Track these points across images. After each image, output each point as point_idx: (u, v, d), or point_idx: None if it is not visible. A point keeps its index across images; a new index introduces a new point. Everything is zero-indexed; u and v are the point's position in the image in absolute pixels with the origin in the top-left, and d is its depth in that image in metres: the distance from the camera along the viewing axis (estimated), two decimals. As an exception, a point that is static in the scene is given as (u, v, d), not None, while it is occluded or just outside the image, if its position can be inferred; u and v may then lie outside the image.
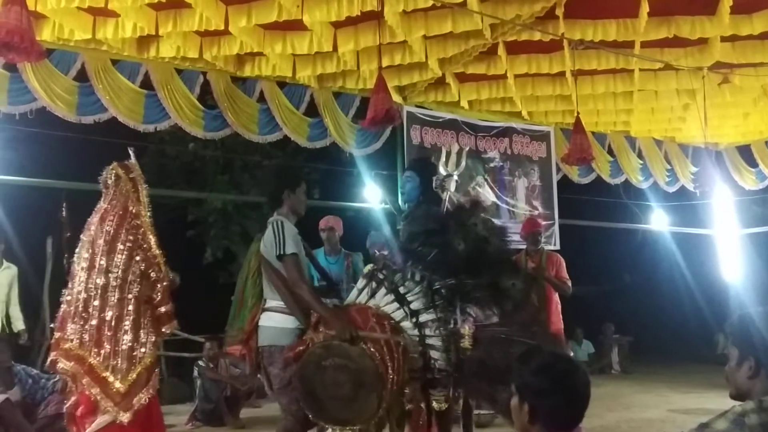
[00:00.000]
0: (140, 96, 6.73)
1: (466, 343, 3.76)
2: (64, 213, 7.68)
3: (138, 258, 3.88)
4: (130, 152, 4.33)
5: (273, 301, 3.85)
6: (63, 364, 3.73)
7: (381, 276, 3.93)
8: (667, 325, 14.88)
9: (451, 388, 3.95)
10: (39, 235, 8.66)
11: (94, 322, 3.72)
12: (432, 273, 3.86)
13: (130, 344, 3.72)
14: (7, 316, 6.60)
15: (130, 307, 3.78)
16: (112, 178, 4.10)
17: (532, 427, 1.99)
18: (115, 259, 3.82)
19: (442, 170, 4.78)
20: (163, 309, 3.93)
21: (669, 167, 10.05)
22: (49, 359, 3.91)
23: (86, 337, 3.72)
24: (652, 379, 10.82)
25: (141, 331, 3.78)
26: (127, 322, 3.75)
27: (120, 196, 4.03)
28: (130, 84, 6.66)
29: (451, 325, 3.80)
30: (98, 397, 3.65)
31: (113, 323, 3.72)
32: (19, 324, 6.64)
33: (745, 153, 10.38)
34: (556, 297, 6.71)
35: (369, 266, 4.21)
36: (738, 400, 2.06)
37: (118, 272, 3.80)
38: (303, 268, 3.89)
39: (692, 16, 6.55)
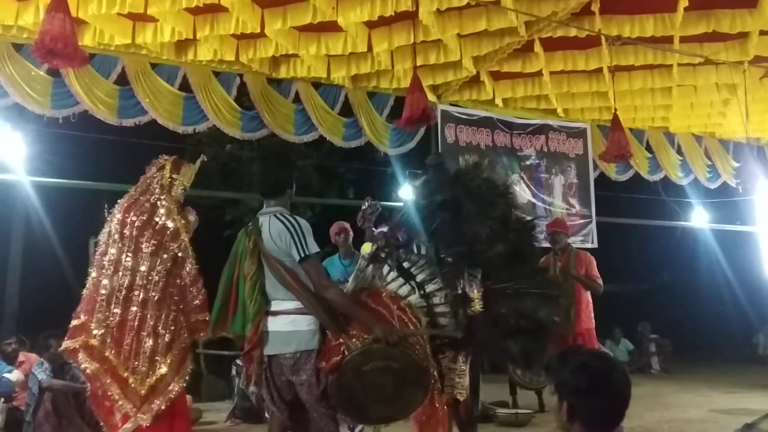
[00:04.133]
0: (179, 98, 6.85)
1: (476, 306, 3.68)
2: (105, 214, 7.83)
3: (165, 256, 3.68)
4: (203, 157, 4.05)
5: (287, 303, 3.44)
6: (87, 364, 3.57)
7: (383, 254, 3.80)
8: (707, 324, 14.65)
9: (462, 351, 3.90)
10: (81, 236, 8.84)
11: (116, 319, 3.59)
12: (439, 242, 3.80)
13: (151, 347, 3.58)
14: None
15: (152, 309, 3.61)
16: (156, 167, 3.91)
17: (571, 425, 1.99)
18: (141, 257, 3.65)
19: None
20: (200, 317, 3.76)
21: (710, 163, 9.87)
22: (65, 345, 3.63)
23: (108, 335, 3.58)
24: (692, 379, 10.65)
25: (159, 337, 3.61)
26: (148, 325, 3.60)
27: (150, 193, 3.82)
28: (169, 87, 6.79)
29: (458, 290, 3.74)
30: (117, 397, 3.52)
31: (135, 324, 3.58)
32: None
33: (789, 148, 10.15)
34: (586, 296, 6.63)
35: (367, 245, 4.06)
36: (782, 401, 2.02)
37: (144, 271, 3.63)
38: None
39: (732, 10, 6.42)
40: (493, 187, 3.96)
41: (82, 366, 3.59)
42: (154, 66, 6.73)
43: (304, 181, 13.27)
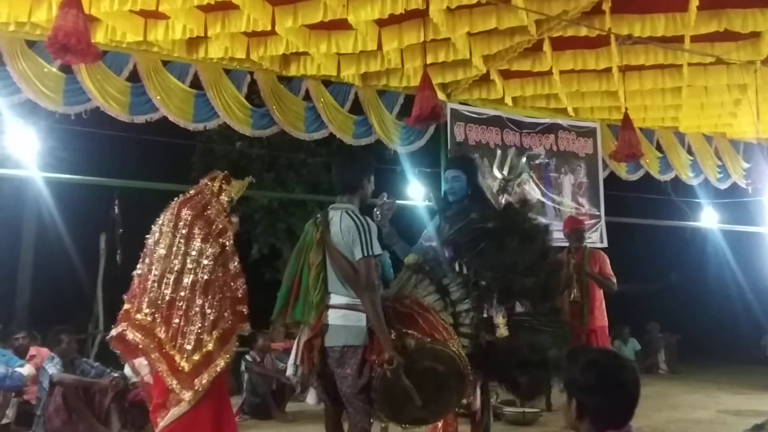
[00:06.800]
0: (190, 96, 6.88)
1: (502, 331, 3.81)
2: (116, 210, 7.89)
3: (215, 243, 3.86)
4: (251, 178, 4.29)
5: (340, 298, 3.57)
6: (133, 335, 3.71)
7: (427, 268, 3.93)
8: (715, 325, 14.59)
9: (477, 374, 3.96)
10: (92, 232, 8.90)
11: (167, 299, 3.73)
12: (479, 265, 3.91)
13: (199, 328, 3.72)
14: None
15: (201, 291, 3.77)
16: (208, 178, 4.16)
17: (580, 424, 2.00)
18: (192, 241, 3.84)
19: (498, 173, 4.79)
20: (238, 308, 3.89)
21: (720, 163, 9.84)
22: (113, 332, 3.78)
23: (157, 313, 3.72)
24: (700, 379, 10.62)
25: (206, 317, 3.74)
26: (197, 304, 3.75)
27: (203, 195, 4.05)
28: (180, 84, 6.82)
29: (484, 315, 3.86)
30: (164, 374, 3.64)
31: (184, 304, 3.73)
32: None
33: (800, 149, 10.09)
34: (599, 294, 6.71)
35: (412, 255, 4.15)
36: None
37: (195, 255, 3.81)
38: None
39: (744, 9, 6.39)
40: (536, 225, 4.18)
41: (129, 337, 3.71)
42: (165, 63, 6.76)
43: (313, 178, 13.31)
